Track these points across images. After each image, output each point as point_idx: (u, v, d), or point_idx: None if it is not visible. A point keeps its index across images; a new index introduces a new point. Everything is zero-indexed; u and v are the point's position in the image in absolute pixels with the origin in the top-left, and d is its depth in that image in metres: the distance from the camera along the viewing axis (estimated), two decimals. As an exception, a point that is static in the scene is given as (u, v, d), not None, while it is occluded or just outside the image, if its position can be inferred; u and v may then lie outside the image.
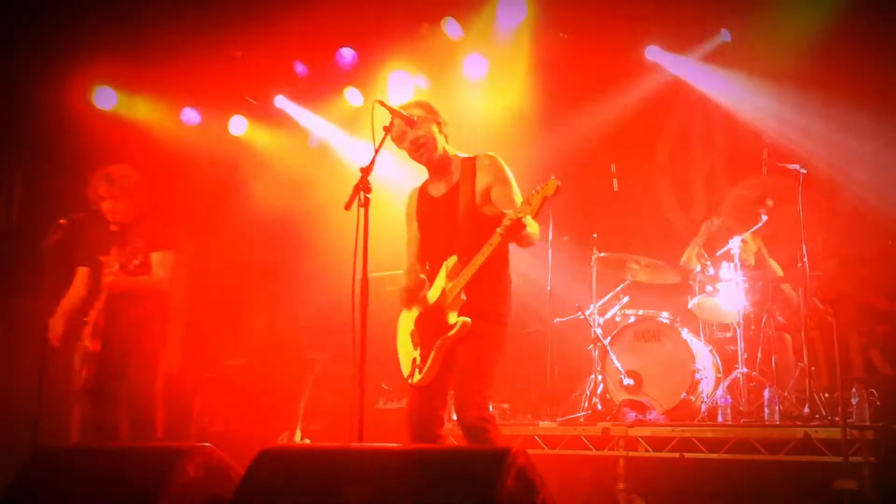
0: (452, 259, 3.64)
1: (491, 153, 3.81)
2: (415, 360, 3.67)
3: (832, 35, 6.70)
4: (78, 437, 6.96)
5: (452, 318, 3.56)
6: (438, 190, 3.88)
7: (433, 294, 3.69)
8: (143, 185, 4.99)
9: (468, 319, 3.55)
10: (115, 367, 4.67)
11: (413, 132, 3.77)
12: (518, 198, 3.64)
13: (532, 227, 3.49)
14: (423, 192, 3.97)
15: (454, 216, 3.72)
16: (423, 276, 3.79)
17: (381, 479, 2.29)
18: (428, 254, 3.87)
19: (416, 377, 3.64)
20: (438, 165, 3.86)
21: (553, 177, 3.35)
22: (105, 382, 4.66)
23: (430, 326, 3.64)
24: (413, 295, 3.76)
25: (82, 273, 4.96)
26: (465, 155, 3.87)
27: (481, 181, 3.72)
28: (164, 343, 4.89)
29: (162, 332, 4.88)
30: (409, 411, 3.73)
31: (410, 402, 3.73)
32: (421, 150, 3.80)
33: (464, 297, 3.58)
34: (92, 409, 4.70)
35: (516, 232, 3.40)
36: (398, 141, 3.82)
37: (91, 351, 4.60)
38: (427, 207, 3.90)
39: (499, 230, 3.43)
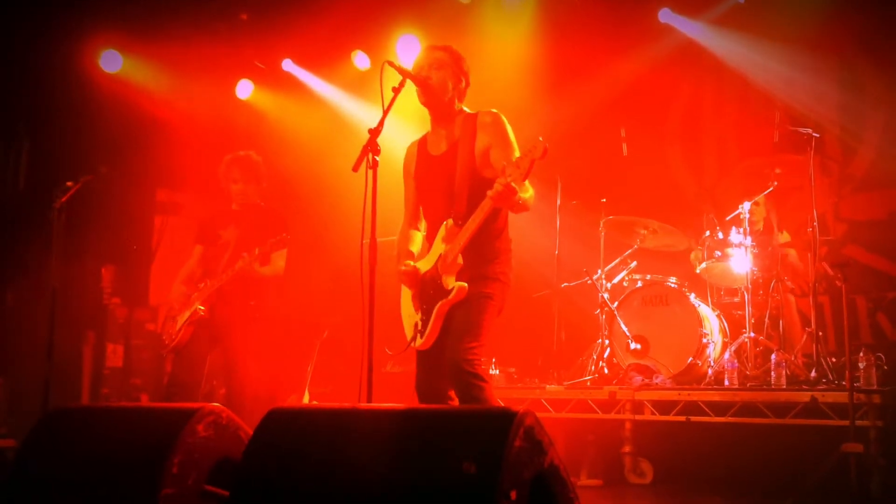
0: (448, 222, 3.58)
1: (494, 110, 3.69)
2: (416, 324, 3.66)
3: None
4: (88, 397, 7.04)
5: (449, 282, 3.52)
6: (438, 147, 3.76)
7: (431, 258, 3.65)
8: (266, 172, 5.18)
9: (465, 284, 3.50)
10: (216, 335, 4.88)
11: (428, 72, 3.67)
12: None
13: (526, 192, 3.42)
14: (422, 148, 3.86)
15: (452, 177, 3.63)
16: (411, 261, 3.73)
17: (389, 439, 2.29)
18: (427, 214, 3.81)
19: (418, 341, 3.63)
20: (442, 115, 3.75)
21: (540, 138, 3.23)
22: (197, 345, 4.84)
23: (429, 290, 3.61)
24: (412, 278, 3.69)
25: (198, 250, 5.14)
26: (469, 111, 3.77)
27: (481, 141, 3.62)
28: (270, 329, 5.09)
29: (273, 316, 5.09)
30: (417, 375, 3.72)
31: (418, 366, 3.72)
32: (427, 90, 3.65)
33: (460, 261, 3.53)
34: (178, 364, 4.85)
35: (507, 198, 3.30)
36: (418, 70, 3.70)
37: (197, 314, 4.79)
38: (425, 166, 3.80)
39: (489, 193, 3.35)
